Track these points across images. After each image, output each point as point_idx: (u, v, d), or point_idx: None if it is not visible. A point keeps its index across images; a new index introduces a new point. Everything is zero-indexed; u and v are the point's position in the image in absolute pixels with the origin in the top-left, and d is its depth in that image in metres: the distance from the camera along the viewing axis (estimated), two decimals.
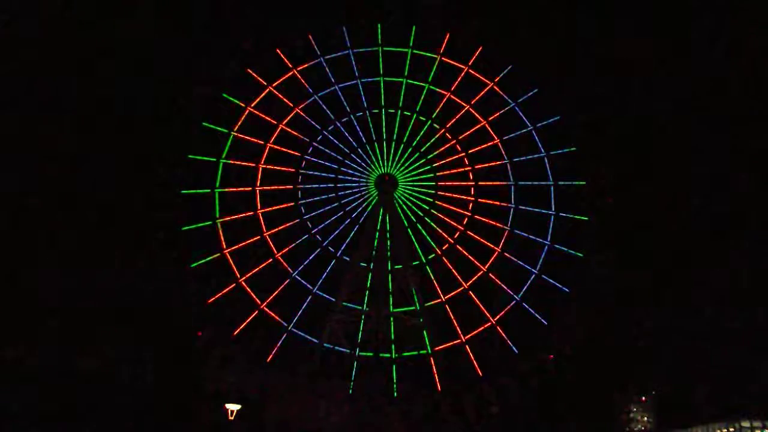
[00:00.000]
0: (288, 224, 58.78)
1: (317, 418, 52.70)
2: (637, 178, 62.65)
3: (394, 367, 57.15)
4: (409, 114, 61.59)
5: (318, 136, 60.68)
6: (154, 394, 49.50)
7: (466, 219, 59.95)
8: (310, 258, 58.30)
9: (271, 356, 55.02)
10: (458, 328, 57.29)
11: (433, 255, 59.57)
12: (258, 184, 59.11)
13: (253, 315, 55.76)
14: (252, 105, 59.38)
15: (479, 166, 60.88)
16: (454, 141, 61.37)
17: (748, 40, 60.76)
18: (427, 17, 61.74)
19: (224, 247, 56.86)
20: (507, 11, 64.77)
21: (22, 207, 52.84)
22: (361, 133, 61.37)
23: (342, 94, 61.02)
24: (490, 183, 60.64)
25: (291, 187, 59.82)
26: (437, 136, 61.52)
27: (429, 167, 61.32)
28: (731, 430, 53.72)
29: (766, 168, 59.39)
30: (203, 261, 55.92)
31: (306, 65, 60.62)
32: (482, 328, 56.88)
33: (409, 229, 60.69)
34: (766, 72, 60.37)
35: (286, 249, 58.14)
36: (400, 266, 59.83)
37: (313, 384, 54.67)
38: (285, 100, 60.26)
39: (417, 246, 60.10)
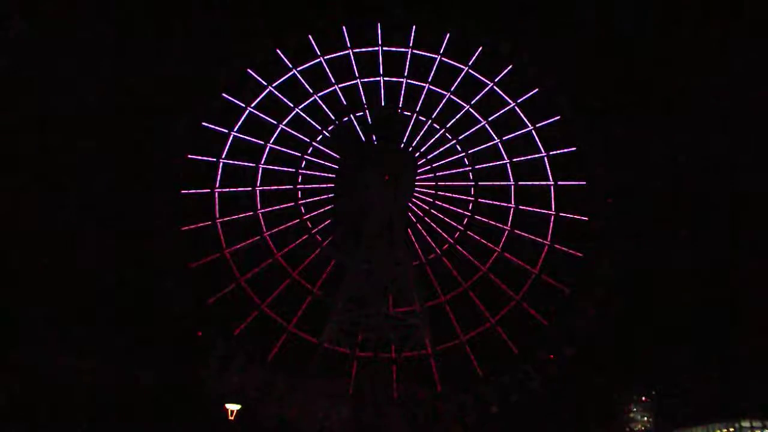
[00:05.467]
0: (288, 224, 58.91)
1: (317, 418, 52.73)
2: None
3: (394, 367, 57.15)
4: (409, 114, 61.56)
5: (318, 136, 60.74)
6: (155, 394, 49.58)
7: (466, 219, 59.97)
8: (310, 258, 58.46)
9: (271, 356, 55.07)
10: (458, 328, 57.36)
11: (433, 255, 59.63)
12: (258, 184, 59.18)
13: (253, 315, 55.84)
14: (252, 105, 59.40)
15: (479, 166, 60.92)
16: (454, 141, 61.34)
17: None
18: (427, 16, 61.54)
19: (224, 247, 56.90)
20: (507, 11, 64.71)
21: (21, 205, 52.91)
22: (361, 133, 61.39)
23: (342, 94, 61.07)
24: (490, 183, 60.66)
25: (291, 187, 59.89)
26: (437, 136, 61.49)
27: (429, 167, 61.26)
28: (731, 430, 53.75)
29: None
30: (203, 261, 56.02)
31: (306, 65, 60.63)
32: (482, 328, 56.94)
33: (409, 229, 60.68)
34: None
35: (286, 249, 58.24)
36: (401, 266, 59.69)
37: (313, 384, 54.70)
38: (285, 100, 60.32)
39: (417, 246, 60.16)
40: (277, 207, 59.15)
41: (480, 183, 60.68)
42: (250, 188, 58.94)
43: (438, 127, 61.46)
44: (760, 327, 54.84)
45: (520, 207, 59.47)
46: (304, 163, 60.23)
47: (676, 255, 60.70)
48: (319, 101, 60.76)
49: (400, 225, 59.39)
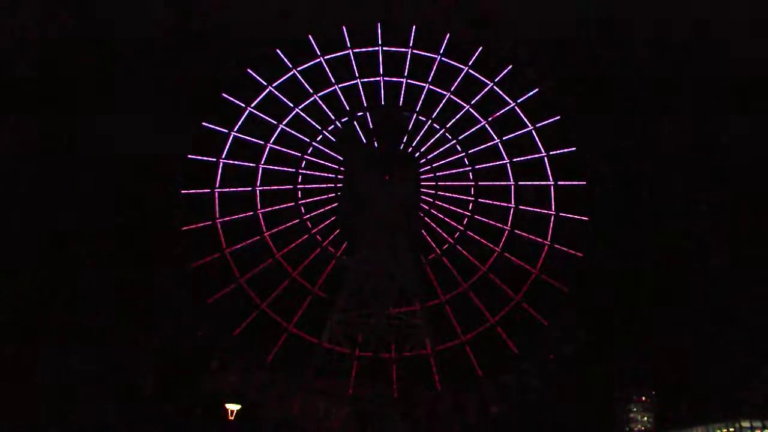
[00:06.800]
0: (288, 224, 58.89)
1: (317, 418, 52.76)
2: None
3: (394, 367, 57.14)
4: (409, 114, 61.51)
5: (318, 136, 60.71)
6: (154, 394, 49.63)
7: (466, 219, 59.95)
8: (310, 258, 58.42)
9: (271, 356, 55.06)
10: (458, 328, 57.34)
11: (433, 255, 59.61)
12: (258, 184, 59.16)
13: (253, 315, 55.82)
14: (252, 105, 59.37)
15: (479, 166, 60.89)
16: (454, 141, 61.32)
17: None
18: (427, 17, 61.54)
19: (224, 247, 56.87)
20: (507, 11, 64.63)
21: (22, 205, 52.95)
22: (360, 132, 61.37)
23: (342, 94, 61.04)
24: (490, 183, 60.64)
25: (291, 186, 59.87)
26: (437, 136, 61.46)
27: (429, 167, 61.24)
28: (731, 430, 53.77)
29: None
30: (203, 261, 56.00)
31: (306, 65, 60.58)
32: (482, 328, 56.92)
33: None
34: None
35: (286, 249, 58.22)
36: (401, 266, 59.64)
37: (313, 384, 54.72)
38: (285, 100, 60.29)
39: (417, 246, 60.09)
40: (277, 207, 59.17)
41: (480, 183, 60.70)
42: (250, 188, 58.95)
43: (438, 127, 61.47)
44: (759, 325, 54.88)
45: (520, 207, 59.49)
46: (304, 163, 60.25)
47: (677, 253, 60.67)
48: (319, 101, 60.76)
49: (400, 225, 59.41)
